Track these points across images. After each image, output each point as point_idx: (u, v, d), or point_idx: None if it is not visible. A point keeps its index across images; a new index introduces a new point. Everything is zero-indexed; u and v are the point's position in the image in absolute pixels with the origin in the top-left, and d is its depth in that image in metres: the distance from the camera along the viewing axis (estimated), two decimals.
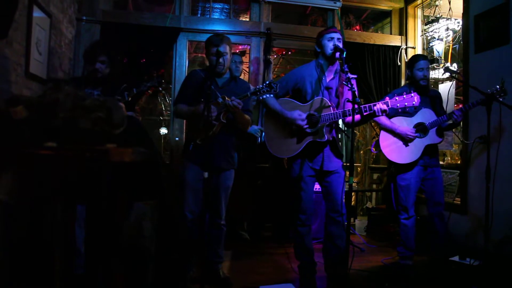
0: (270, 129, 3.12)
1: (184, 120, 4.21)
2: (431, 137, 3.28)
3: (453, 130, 3.66)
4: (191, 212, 3.00)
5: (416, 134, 3.30)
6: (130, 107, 3.10)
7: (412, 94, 2.65)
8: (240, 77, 4.51)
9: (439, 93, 3.68)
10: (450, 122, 3.26)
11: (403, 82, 5.43)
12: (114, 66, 3.21)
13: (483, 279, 3.06)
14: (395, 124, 3.37)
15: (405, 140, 3.33)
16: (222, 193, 3.10)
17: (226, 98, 2.86)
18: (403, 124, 3.37)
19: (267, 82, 2.85)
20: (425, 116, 3.30)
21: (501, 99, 3.01)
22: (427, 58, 3.49)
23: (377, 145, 3.49)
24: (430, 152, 3.35)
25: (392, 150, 3.39)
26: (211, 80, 2.86)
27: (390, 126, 3.37)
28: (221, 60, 2.96)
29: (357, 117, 2.81)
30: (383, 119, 3.39)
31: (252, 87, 3.09)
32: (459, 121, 3.18)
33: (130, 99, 3.00)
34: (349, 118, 2.82)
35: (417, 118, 3.33)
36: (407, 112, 3.31)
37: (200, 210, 3.03)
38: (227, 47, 3.03)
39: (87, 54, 3.14)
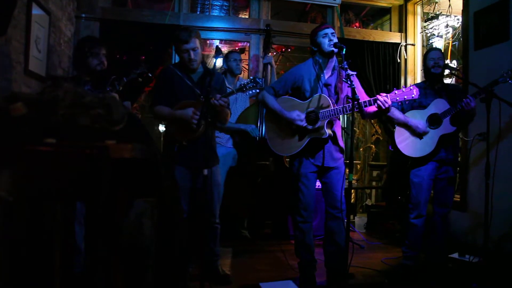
0: (272, 128, 3.12)
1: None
2: (445, 127, 3.21)
3: None
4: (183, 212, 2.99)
5: (427, 130, 3.26)
6: (124, 97, 3.08)
7: (411, 87, 2.66)
8: (240, 75, 4.50)
9: (460, 87, 3.66)
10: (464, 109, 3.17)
11: (402, 79, 5.43)
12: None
13: (483, 276, 3.06)
14: (408, 117, 3.34)
15: (417, 134, 3.29)
16: (215, 191, 3.08)
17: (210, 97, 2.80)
18: (417, 117, 3.32)
19: (252, 78, 2.83)
20: (439, 106, 3.24)
21: (510, 81, 2.99)
22: (440, 50, 3.49)
23: (393, 142, 3.47)
24: (447, 143, 3.27)
25: (407, 144, 3.34)
26: (210, 79, 2.78)
27: (403, 119, 3.33)
28: (192, 56, 2.91)
29: (372, 108, 2.81)
30: (397, 113, 3.35)
31: (242, 80, 3.06)
32: (471, 107, 3.05)
33: (121, 88, 2.97)
34: (368, 108, 2.82)
35: (431, 110, 3.28)
36: (422, 105, 3.30)
37: (192, 209, 3.00)
38: (197, 41, 2.92)
39: (89, 47, 3.10)
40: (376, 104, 2.73)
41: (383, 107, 2.72)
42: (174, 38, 2.96)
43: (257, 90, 2.90)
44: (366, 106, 2.73)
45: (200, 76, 3.05)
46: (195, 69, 3.01)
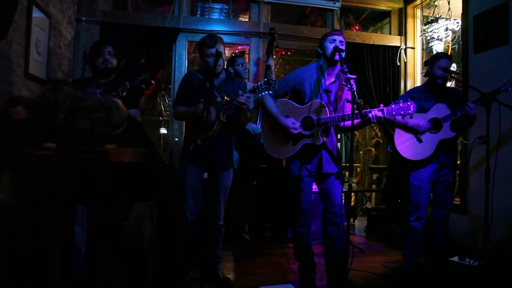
0: (268, 130, 3.13)
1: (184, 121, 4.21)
2: (445, 132, 3.21)
3: None
4: (191, 213, 3.01)
5: (427, 127, 3.24)
6: (130, 104, 3.09)
7: (409, 103, 2.66)
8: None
9: (460, 91, 3.65)
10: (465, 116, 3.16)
11: (402, 83, 5.44)
12: (119, 61, 3.23)
13: (482, 279, 3.06)
14: (407, 119, 3.34)
15: (417, 132, 3.29)
16: (221, 194, 3.10)
17: (225, 97, 2.88)
18: (417, 120, 3.32)
19: (266, 79, 2.85)
20: (439, 111, 3.25)
21: None
22: (450, 58, 3.39)
23: (392, 144, 3.47)
24: (445, 148, 3.27)
25: (406, 147, 3.35)
26: (211, 81, 2.86)
27: (402, 121, 3.34)
28: (219, 60, 2.96)
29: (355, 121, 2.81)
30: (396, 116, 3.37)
31: (250, 84, 3.09)
32: (472, 114, 3.08)
33: (125, 94, 2.99)
34: (347, 122, 2.82)
35: (431, 114, 3.28)
36: (423, 109, 3.30)
37: (199, 211, 3.04)
38: (222, 47, 3.03)
39: (95, 49, 3.17)
40: (367, 117, 2.74)
41: (372, 121, 2.74)
42: (200, 43, 3.06)
43: (271, 91, 2.92)
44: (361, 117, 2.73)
45: (221, 81, 3.12)
46: (218, 74, 3.07)
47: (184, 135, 3.21)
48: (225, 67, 3.27)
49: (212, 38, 3.01)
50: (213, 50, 2.96)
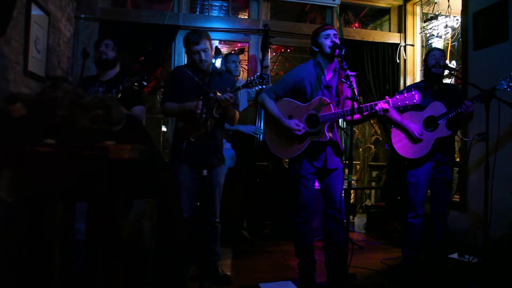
0: (271, 131, 3.11)
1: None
2: (441, 130, 3.21)
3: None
4: (186, 211, 3.00)
5: (421, 137, 3.26)
6: (135, 100, 3.08)
7: (413, 93, 2.65)
8: (239, 76, 4.50)
9: (459, 88, 3.66)
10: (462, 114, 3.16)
11: (402, 80, 5.44)
12: (123, 59, 3.25)
13: (482, 276, 3.06)
14: (405, 119, 3.34)
15: (411, 137, 3.30)
16: (216, 191, 3.08)
17: (218, 93, 2.84)
18: (414, 118, 3.32)
19: (258, 74, 2.83)
20: (435, 109, 3.25)
21: (509, 89, 3.00)
22: (442, 50, 3.47)
23: (389, 141, 3.48)
24: (442, 146, 3.27)
25: (403, 145, 3.35)
26: (208, 78, 2.84)
27: (400, 121, 3.34)
28: (203, 57, 2.94)
29: (359, 115, 2.81)
30: (394, 114, 3.36)
31: (242, 81, 3.07)
32: (469, 111, 3.08)
33: (120, 95, 2.98)
34: (356, 116, 2.81)
35: (428, 112, 3.28)
36: (420, 106, 3.30)
37: (195, 208, 3.02)
38: (207, 42, 2.98)
39: (96, 44, 3.25)
40: (373, 110, 2.74)
41: (379, 113, 2.73)
42: (185, 40, 3.01)
43: (264, 86, 2.90)
44: (367, 110, 2.73)
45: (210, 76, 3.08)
46: (205, 70, 3.02)
47: (174, 133, 3.15)
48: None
49: (197, 35, 2.95)
50: (198, 47, 2.92)
